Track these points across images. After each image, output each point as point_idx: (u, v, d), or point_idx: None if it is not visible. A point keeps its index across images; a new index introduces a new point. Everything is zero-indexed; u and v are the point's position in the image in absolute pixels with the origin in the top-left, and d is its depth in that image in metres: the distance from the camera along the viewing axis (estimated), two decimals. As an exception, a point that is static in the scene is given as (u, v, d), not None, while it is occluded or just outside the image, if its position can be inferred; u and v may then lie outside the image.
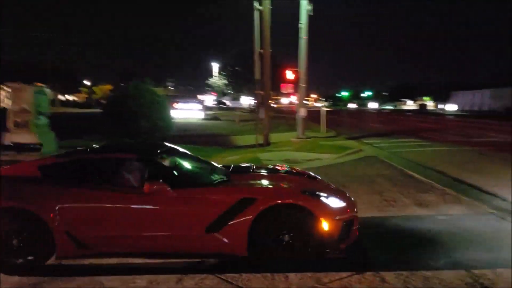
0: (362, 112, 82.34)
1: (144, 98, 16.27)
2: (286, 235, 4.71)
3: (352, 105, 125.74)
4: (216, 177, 5.41)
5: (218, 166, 6.07)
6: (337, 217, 4.78)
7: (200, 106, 39.63)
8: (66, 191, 4.89)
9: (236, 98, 74.04)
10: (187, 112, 36.71)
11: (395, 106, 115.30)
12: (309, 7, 17.82)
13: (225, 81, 65.42)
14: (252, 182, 5.49)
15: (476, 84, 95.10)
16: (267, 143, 16.49)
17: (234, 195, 4.83)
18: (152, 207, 4.80)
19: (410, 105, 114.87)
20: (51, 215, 4.72)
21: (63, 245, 4.76)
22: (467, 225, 6.08)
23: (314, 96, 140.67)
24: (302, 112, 18.11)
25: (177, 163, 5.56)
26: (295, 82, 19.26)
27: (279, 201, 4.75)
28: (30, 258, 4.77)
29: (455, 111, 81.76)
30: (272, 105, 61.22)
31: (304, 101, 19.87)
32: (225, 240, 4.73)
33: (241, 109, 59.96)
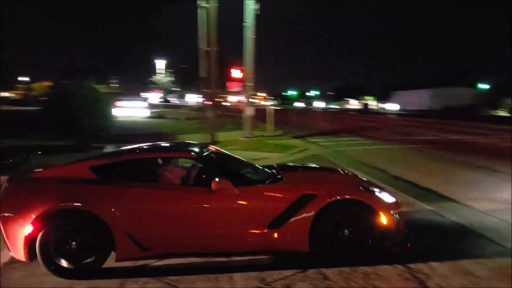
0: (309, 111, 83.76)
1: (87, 96, 15.75)
2: (346, 230, 4.76)
3: (299, 104, 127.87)
4: (269, 175, 5.44)
5: (261, 165, 6.09)
6: (392, 211, 4.89)
7: (145, 104, 38.85)
8: (127, 191, 4.74)
9: (183, 96, 73.21)
10: (131, 110, 35.88)
11: (340, 105, 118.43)
12: (256, 6, 17.93)
13: (171, 79, 64.46)
14: (306, 179, 5.58)
15: (415, 85, 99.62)
16: (214, 142, 16.42)
17: (295, 192, 4.86)
18: (218, 205, 4.75)
19: (354, 104, 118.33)
20: (113, 216, 4.56)
21: (124, 247, 4.60)
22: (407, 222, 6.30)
23: (262, 94, 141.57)
24: (249, 111, 18.18)
25: (230, 163, 5.62)
26: (242, 81, 19.33)
27: (339, 197, 4.81)
28: (87, 261, 4.56)
29: (397, 110, 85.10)
30: (223, 103, 61.17)
31: (252, 100, 19.96)
32: (287, 236, 4.74)
33: (188, 107, 59.45)
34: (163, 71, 63.69)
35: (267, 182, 5.15)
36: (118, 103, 34.83)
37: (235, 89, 21.88)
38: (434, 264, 4.60)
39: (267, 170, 5.77)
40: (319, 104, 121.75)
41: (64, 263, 4.52)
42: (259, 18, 18.28)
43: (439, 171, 10.83)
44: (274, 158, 13.23)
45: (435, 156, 13.82)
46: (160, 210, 4.72)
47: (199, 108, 40.41)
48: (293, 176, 5.59)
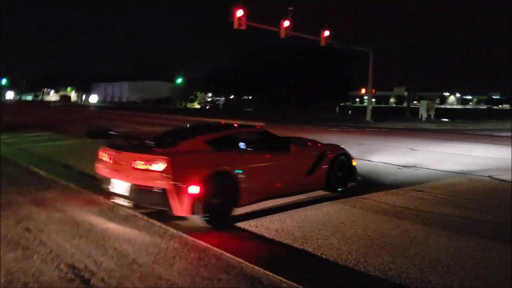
0: (-3, 103, 73.81)
1: None
2: (339, 173, 8.02)
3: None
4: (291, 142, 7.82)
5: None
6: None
7: None
8: (246, 156, 6.82)
9: None
10: None
11: (37, 97, 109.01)
12: None
13: None
14: (314, 143, 8.65)
15: (117, 76, 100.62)
16: None
17: (317, 151, 7.89)
18: (293, 161, 7.39)
19: (52, 95, 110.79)
20: (239, 174, 6.32)
21: (244, 196, 6.40)
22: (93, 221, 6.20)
23: None
24: None
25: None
26: None
27: (338, 152, 8.18)
28: (226, 209, 6.23)
29: (97, 102, 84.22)
30: None
31: None
32: (315, 180, 7.64)
33: None
34: None
35: (301, 146, 8.01)
36: None
37: None
38: (100, 259, 4.62)
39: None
40: (9, 95, 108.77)
41: (212, 213, 5.96)
42: None
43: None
44: None
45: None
46: (264, 167, 6.94)
47: None
48: (301, 143, 8.47)
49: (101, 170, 6.66)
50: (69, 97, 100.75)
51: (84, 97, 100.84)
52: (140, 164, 5.90)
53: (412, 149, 15.69)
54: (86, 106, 65.28)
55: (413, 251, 5.19)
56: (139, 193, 6.02)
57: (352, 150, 9.19)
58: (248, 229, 6.00)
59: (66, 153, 12.78)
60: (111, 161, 6.40)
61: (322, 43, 30.55)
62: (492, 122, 37.16)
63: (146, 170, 5.85)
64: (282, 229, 5.95)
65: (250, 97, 67.67)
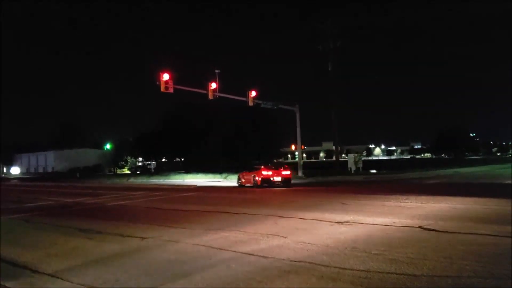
0: None
1: None
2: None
3: None
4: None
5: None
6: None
7: None
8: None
9: None
10: None
11: None
12: None
13: None
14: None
15: (41, 145, 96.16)
16: None
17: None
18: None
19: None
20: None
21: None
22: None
23: None
24: None
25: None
26: None
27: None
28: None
29: (19, 174, 79.39)
30: None
31: None
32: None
33: None
34: None
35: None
36: None
37: None
38: None
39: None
40: None
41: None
42: None
43: (42, 242, 10.10)
44: None
45: (48, 225, 13.09)
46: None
47: None
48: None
49: (264, 176, 27.01)
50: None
51: (5, 169, 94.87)
52: (285, 172, 27.76)
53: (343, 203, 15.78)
54: (8, 178, 61.18)
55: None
56: (284, 180, 27.16)
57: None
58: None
59: None
60: (271, 173, 27.26)
61: (250, 103, 31.11)
62: (417, 171, 39.00)
63: (286, 174, 27.55)
64: None
65: (183, 159, 66.65)
